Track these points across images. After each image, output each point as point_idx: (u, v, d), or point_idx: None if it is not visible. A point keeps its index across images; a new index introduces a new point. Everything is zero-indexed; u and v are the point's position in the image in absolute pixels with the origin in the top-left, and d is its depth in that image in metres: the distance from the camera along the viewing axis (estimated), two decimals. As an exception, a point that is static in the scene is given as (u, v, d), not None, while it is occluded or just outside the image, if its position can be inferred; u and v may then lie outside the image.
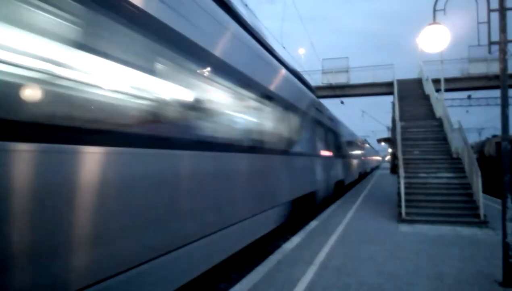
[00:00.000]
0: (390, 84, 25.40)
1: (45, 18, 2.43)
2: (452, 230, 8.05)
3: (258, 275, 4.98)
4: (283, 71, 8.19)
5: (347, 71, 29.84)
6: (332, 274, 5.01)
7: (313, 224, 8.73)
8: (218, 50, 4.81)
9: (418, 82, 20.67)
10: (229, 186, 5.06)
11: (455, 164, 10.76)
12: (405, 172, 10.30)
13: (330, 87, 29.10)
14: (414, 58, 26.38)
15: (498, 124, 5.10)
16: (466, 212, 8.94)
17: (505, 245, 4.64)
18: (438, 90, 15.68)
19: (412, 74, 24.49)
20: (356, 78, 29.87)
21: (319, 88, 29.42)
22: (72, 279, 2.53)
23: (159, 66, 3.62)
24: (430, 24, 7.46)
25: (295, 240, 7.07)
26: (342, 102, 30.56)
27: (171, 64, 3.81)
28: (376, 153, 57.08)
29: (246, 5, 10.50)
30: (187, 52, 4.03)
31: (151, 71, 3.49)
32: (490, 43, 5.36)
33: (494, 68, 25.30)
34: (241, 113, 5.66)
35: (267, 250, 7.54)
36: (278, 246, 7.23)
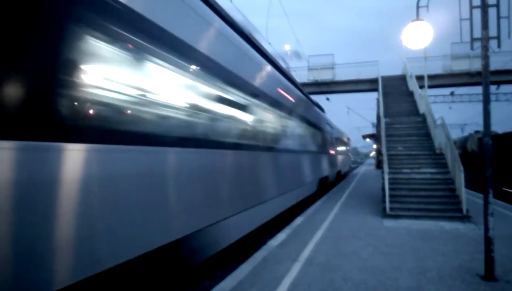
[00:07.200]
0: (374, 81, 25.62)
1: None
2: (435, 224, 8.15)
3: (243, 272, 4.94)
4: (345, 137, 27.42)
5: (332, 68, 29.88)
6: (317, 271, 5.01)
7: (299, 220, 8.74)
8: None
9: (402, 79, 20.86)
10: (298, 168, 10.80)
11: (438, 160, 10.89)
12: (389, 167, 10.38)
13: (316, 84, 29.18)
14: (399, 55, 26.61)
15: (480, 120, 5.14)
16: (449, 207, 9.06)
17: (487, 239, 4.70)
18: (421, 87, 15.84)
19: (397, 71, 24.76)
20: (341, 75, 29.93)
21: (305, 84, 29.49)
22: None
23: None
24: (413, 21, 7.49)
25: (281, 236, 7.06)
26: (327, 99, 30.69)
27: None
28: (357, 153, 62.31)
29: (231, 1, 10.43)
30: None
31: None
32: (472, 40, 5.41)
33: (476, 65, 25.67)
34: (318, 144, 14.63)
35: (253, 246, 7.52)
36: (264, 242, 7.21)
